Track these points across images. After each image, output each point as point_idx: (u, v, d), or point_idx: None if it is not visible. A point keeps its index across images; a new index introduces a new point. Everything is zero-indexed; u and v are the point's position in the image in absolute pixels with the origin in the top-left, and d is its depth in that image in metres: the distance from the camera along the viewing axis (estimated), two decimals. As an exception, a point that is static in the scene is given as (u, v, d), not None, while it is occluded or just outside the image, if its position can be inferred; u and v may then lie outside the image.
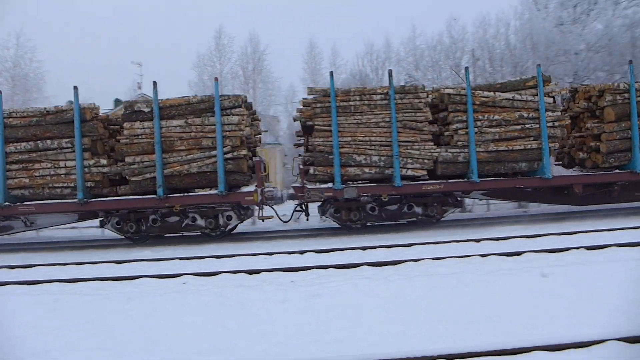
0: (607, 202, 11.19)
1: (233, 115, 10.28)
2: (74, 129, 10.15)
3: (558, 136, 10.58)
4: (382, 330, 3.92)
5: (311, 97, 10.68)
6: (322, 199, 10.61)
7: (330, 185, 10.34)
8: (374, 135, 10.38)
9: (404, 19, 48.91)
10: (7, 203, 10.16)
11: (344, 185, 10.28)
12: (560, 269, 5.65)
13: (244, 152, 10.34)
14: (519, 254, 6.75)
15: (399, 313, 4.38)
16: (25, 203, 10.40)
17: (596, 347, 3.32)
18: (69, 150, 10.31)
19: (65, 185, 10.35)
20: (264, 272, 6.55)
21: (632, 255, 6.25)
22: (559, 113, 10.58)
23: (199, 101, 10.44)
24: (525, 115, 10.41)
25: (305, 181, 10.57)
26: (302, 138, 11.32)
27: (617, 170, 10.67)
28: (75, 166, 10.19)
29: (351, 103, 10.38)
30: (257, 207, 10.83)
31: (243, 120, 10.40)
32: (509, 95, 10.49)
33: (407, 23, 55.70)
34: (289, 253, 8.21)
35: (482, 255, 6.69)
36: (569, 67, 26.76)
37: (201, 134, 10.29)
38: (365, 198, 10.53)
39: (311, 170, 10.43)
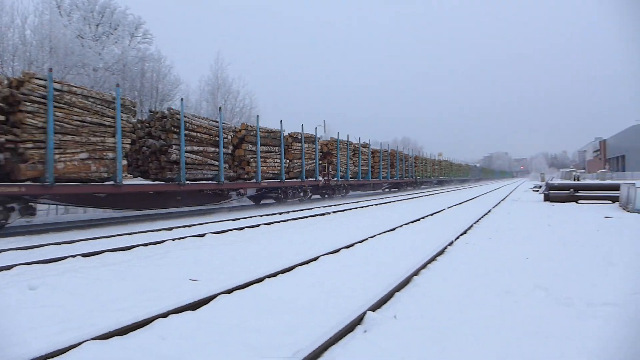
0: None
1: (316, 144, 22.65)
2: (280, 143, 19.32)
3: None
4: None
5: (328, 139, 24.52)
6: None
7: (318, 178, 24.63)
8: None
9: None
10: (260, 180, 17.86)
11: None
12: (53, 278, 5.77)
13: (321, 161, 22.91)
14: (8, 268, 6.45)
15: None
16: (265, 180, 18.20)
17: (74, 351, 3.45)
18: (277, 153, 19.19)
19: (273, 172, 19.01)
20: None
21: (123, 258, 7.22)
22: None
23: (311, 136, 22.02)
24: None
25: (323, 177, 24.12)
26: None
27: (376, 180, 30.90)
28: (280, 162, 19.28)
29: (331, 148, 25.16)
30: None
31: (319, 147, 22.95)
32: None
33: None
34: None
35: None
36: (87, 80, 26.42)
37: (309, 151, 21.94)
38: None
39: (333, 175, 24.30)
